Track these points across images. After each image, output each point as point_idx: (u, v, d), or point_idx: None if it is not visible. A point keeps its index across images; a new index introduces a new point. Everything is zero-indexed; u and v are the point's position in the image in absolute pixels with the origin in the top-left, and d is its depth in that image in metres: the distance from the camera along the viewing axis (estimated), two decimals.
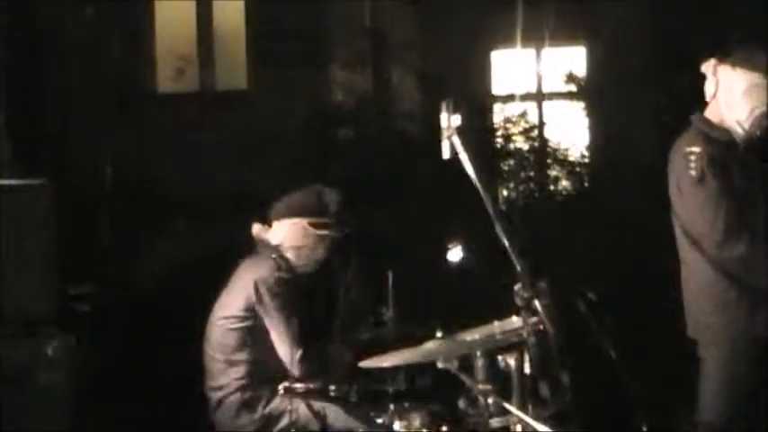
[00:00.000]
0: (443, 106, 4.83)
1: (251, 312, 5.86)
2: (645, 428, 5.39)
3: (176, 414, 7.04)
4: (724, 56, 5.40)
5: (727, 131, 5.37)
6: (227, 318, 5.92)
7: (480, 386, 5.04)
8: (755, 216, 5.26)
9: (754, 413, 5.30)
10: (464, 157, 4.81)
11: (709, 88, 5.44)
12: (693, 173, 5.25)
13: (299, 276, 6.02)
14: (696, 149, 5.28)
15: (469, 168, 4.82)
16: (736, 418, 5.31)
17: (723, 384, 5.36)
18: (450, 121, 4.81)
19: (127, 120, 10.10)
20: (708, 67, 5.43)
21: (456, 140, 4.81)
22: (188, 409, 6.29)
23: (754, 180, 5.34)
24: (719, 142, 5.34)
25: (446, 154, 4.81)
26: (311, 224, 5.99)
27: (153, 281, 9.50)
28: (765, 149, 5.41)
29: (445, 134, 4.83)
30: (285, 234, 6.02)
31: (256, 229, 6.11)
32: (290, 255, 6.01)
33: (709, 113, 5.44)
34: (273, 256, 5.95)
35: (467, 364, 5.30)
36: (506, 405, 4.95)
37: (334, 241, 6.04)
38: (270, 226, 6.09)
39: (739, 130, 5.37)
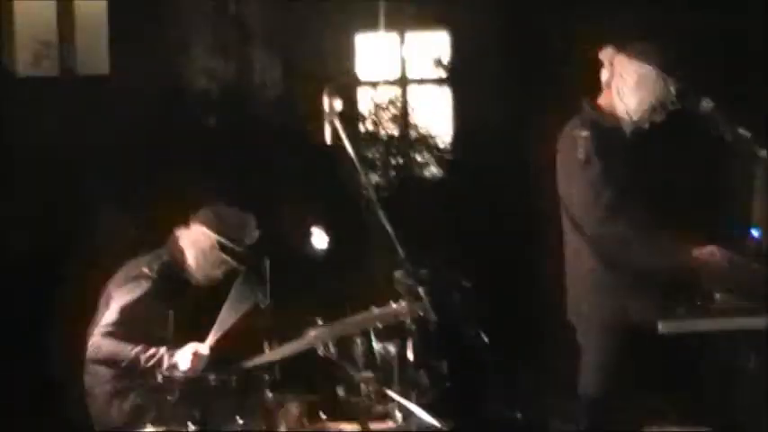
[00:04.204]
0: (325, 91, 4.80)
1: None
2: (518, 415, 5.43)
3: None
4: (621, 46, 5.48)
5: (616, 119, 5.46)
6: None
7: (363, 374, 5.04)
8: (636, 203, 5.33)
9: (630, 403, 5.34)
10: (346, 142, 4.79)
11: (603, 76, 5.52)
12: (580, 155, 5.33)
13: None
14: (584, 133, 5.36)
15: (352, 153, 4.80)
16: (612, 408, 5.34)
17: (599, 371, 5.39)
18: (332, 105, 4.78)
19: None
20: (605, 54, 5.51)
21: (338, 125, 4.78)
22: None
23: (637, 169, 5.42)
24: (607, 128, 5.43)
25: (328, 139, 4.77)
26: (220, 244, 5.95)
27: None
28: (651, 140, 5.51)
29: (327, 119, 4.79)
30: (194, 239, 5.98)
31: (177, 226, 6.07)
32: (189, 260, 5.97)
33: (601, 100, 5.52)
34: (165, 258, 5.95)
35: (346, 352, 5.30)
36: (389, 393, 4.95)
37: (231, 269, 5.99)
38: (188, 226, 6.06)
39: (628, 120, 5.47)
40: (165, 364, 5.64)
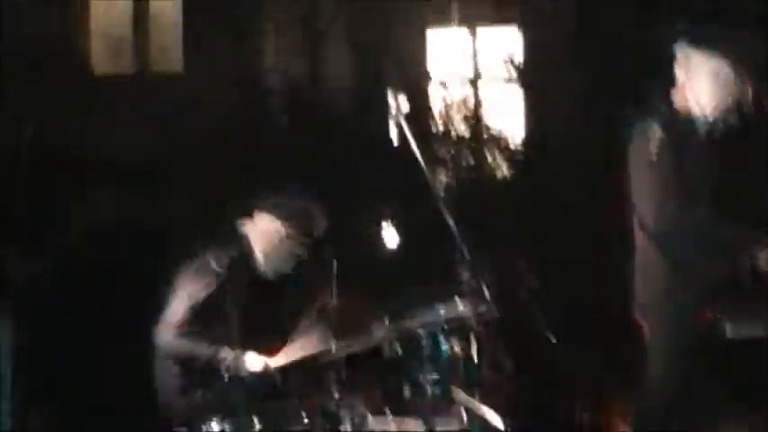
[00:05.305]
0: (390, 92, 4.80)
1: None
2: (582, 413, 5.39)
3: None
4: (698, 42, 5.37)
5: (690, 118, 5.37)
6: None
7: (428, 375, 5.04)
8: (706, 203, 5.29)
9: (694, 403, 5.28)
10: (411, 142, 4.79)
11: (678, 72, 5.41)
12: (652, 153, 5.25)
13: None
14: (657, 131, 5.28)
15: (417, 153, 4.79)
16: (676, 409, 5.28)
17: (663, 369, 5.34)
18: (398, 105, 4.78)
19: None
20: (680, 51, 5.40)
21: (404, 125, 4.78)
22: None
23: (710, 169, 5.37)
24: (681, 127, 5.34)
25: (395, 139, 4.77)
26: (289, 234, 5.97)
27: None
28: (725, 141, 5.42)
29: (393, 119, 4.79)
30: (263, 231, 6.01)
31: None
32: (258, 253, 6.00)
33: (676, 98, 5.42)
34: (233, 253, 5.93)
35: (412, 352, 5.29)
36: (456, 393, 4.95)
37: (298, 258, 6.02)
38: (251, 216, 6.06)
39: (702, 119, 5.37)
40: (234, 367, 5.69)
